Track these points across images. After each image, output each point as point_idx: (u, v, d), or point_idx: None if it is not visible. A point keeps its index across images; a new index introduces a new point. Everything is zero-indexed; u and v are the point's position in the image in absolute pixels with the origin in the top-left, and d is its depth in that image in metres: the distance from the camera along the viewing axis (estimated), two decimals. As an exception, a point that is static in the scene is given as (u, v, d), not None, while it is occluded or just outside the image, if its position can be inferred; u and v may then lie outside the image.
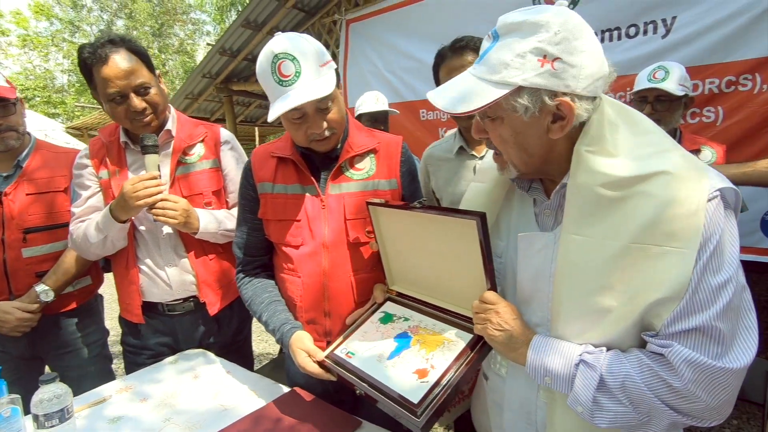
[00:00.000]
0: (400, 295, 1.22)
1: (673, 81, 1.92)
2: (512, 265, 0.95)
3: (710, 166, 0.79)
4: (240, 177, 1.36)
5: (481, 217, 0.86)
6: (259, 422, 1.14)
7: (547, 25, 0.73)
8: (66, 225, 1.61)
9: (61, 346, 1.74)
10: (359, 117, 2.65)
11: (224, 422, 1.15)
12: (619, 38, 2.76)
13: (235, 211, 1.51)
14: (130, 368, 1.62)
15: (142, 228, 1.53)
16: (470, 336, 0.99)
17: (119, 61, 1.37)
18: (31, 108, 16.73)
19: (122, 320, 1.65)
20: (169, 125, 1.55)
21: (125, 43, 1.41)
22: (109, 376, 1.83)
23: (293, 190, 1.26)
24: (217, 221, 1.53)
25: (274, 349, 3.89)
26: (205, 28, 23.27)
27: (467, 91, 0.79)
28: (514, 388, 0.96)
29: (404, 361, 1.01)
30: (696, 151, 1.93)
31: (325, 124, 1.14)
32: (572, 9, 0.77)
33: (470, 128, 0.94)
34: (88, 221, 1.50)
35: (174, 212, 1.40)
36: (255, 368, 1.85)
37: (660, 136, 0.80)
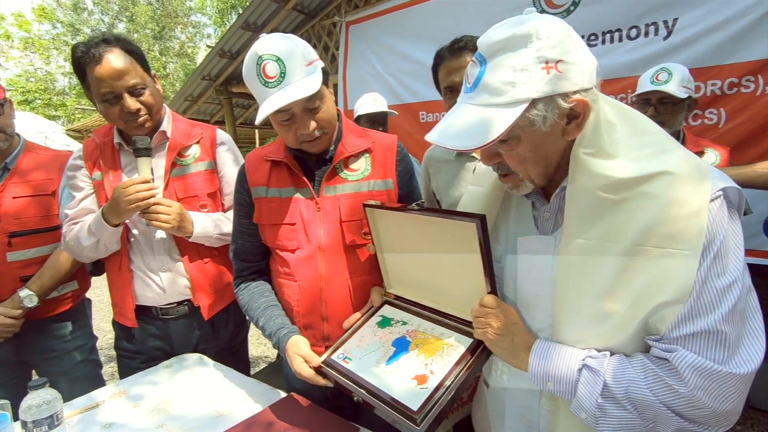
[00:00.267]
0: (398, 298, 1.20)
1: (676, 83, 1.91)
2: (511, 269, 0.93)
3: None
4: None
5: (481, 220, 0.84)
6: (253, 428, 1.11)
7: (536, 33, 0.71)
8: (53, 229, 1.59)
9: (47, 351, 1.71)
10: (358, 118, 2.64)
11: (219, 428, 1.13)
12: (620, 40, 2.75)
13: (230, 213, 1.49)
14: (124, 373, 1.60)
15: (135, 231, 1.51)
16: (470, 340, 0.97)
17: (113, 60, 1.35)
18: (31, 110, 16.82)
19: (116, 324, 1.63)
20: (164, 126, 1.53)
21: (119, 43, 1.38)
22: (99, 382, 1.80)
23: (288, 194, 1.24)
24: (212, 224, 1.51)
25: (272, 352, 3.86)
26: (205, 31, 23.41)
27: (477, 123, 0.75)
28: (516, 396, 0.95)
29: (403, 366, 0.99)
30: (699, 154, 1.92)
31: (314, 124, 1.12)
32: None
33: None
34: (81, 224, 1.47)
35: (167, 216, 1.38)
36: (252, 372, 1.82)
37: (660, 136, 0.79)
